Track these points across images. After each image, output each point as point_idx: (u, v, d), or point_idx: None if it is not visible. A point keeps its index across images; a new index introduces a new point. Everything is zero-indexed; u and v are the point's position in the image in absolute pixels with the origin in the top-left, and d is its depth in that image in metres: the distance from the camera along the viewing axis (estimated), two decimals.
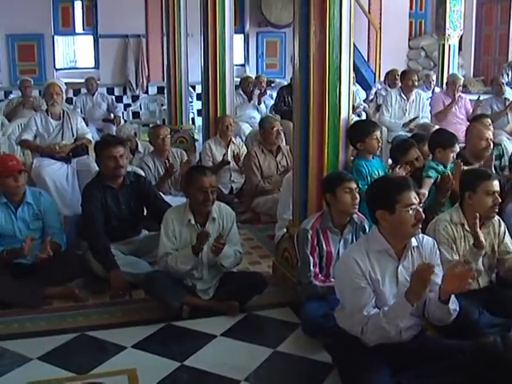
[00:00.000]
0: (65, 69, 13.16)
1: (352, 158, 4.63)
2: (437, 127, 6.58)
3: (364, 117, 9.66)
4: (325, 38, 4.10)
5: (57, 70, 12.89)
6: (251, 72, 12.79)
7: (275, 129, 6.45)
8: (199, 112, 12.15)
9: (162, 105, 12.26)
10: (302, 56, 4.22)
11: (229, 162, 6.96)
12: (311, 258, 3.87)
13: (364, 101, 10.79)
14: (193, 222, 4.17)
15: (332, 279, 3.84)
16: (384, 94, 9.69)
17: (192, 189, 4.13)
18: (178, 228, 4.18)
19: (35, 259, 4.44)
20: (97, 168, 5.35)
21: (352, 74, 4.37)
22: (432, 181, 4.73)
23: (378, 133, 4.74)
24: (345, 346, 3.26)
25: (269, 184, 6.34)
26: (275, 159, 6.49)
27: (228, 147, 7.26)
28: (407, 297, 2.98)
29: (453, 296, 3.07)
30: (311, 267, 3.87)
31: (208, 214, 4.20)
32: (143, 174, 5.58)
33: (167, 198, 5.16)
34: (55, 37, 12.85)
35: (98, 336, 3.89)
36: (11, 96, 11.23)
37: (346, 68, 4.20)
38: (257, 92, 10.08)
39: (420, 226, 3.14)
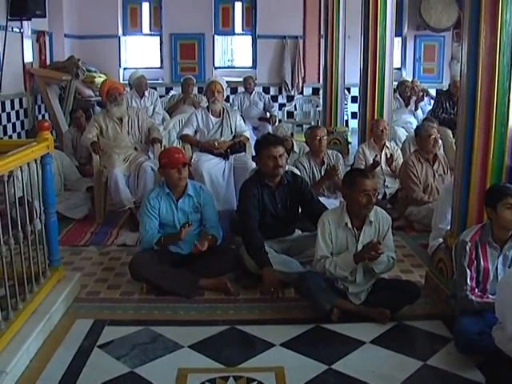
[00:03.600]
0: (223, 67, 13.57)
1: None
2: None
3: None
4: (495, 43, 3.91)
5: (215, 68, 13.32)
6: (407, 76, 12.57)
7: (432, 137, 6.25)
8: (353, 114, 12.16)
9: (317, 106, 12.34)
10: (469, 61, 4.05)
11: (378, 163, 6.86)
12: (468, 272, 3.72)
13: None
14: (349, 225, 4.15)
15: (489, 295, 3.69)
16: None
17: (354, 191, 4.08)
18: (335, 230, 4.17)
19: (192, 250, 4.61)
20: (253, 165, 5.48)
21: None
22: None
23: None
24: (501, 367, 3.11)
25: (428, 197, 6.15)
26: (432, 168, 6.30)
27: (382, 151, 7.17)
28: None
29: None
30: (468, 281, 3.71)
31: (365, 218, 4.16)
32: (299, 173, 5.59)
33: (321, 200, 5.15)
34: (215, 36, 13.27)
35: (247, 331, 3.96)
36: (171, 92, 11.76)
37: None
38: (414, 97, 9.86)
39: None
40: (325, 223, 4.19)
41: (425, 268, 4.85)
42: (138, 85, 9.17)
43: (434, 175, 6.28)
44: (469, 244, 3.73)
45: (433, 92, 11.54)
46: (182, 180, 4.77)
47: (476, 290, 3.73)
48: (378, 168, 6.91)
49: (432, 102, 9.79)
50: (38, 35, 10.45)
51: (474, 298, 3.69)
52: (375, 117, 7.56)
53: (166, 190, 4.81)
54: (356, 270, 4.13)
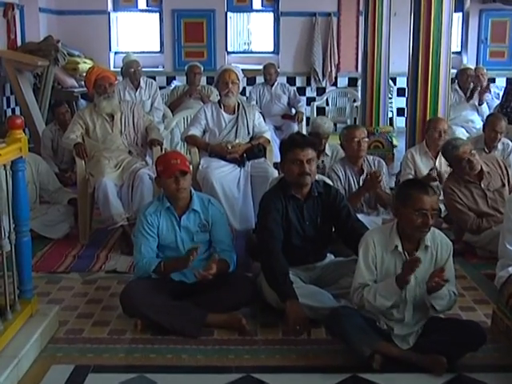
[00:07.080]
0: (238, 52, 13.62)
1: None
2: None
3: None
4: None
5: (228, 53, 13.37)
6: (470, 62, 12.52)
7: (465, 160, 6.03)
8: (400, 111, 12.14)
9: (354, 100, 12.35)
10: None
11: (435, 179, 6.75)
12: None
13: None
14: (400, 248, 4.10)
15: None
16: None
17: (407, 208, 4.03)
18: (380, 254, 4.13)
19: (198, 276, 4.58)
20: (275, 174, 5.45)
21: None
22: None
23: None
24: None
25: (487, 221, 6.04)
26: (480, 188, 6.15)
27: (436, 159, 7.12)
28: None
29: None
30: None
31: (420, 241, 4.13)
32: (332, 184, 5.56)
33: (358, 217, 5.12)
34: (228, 14, 13.30)
35: (267, 380, 3.91)
36: (174, 83, 11.83)
37: None
38: (478, 89, 9.82)
39: None
40: (369, 244, 4.15)
41: (491, 305, 4.80)
42: (127, 72, 9.17)
43: (486, 195, 6.15)
44: None
45: (502, 82, 11.49)
46: (181, 192, 4.76)
47: None
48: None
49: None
50: (6, 8, 10.54)
51: None
52: (427, 114, 7.48)
53: (166, 204, 4.82)
54: (405, 306, 4.09)
